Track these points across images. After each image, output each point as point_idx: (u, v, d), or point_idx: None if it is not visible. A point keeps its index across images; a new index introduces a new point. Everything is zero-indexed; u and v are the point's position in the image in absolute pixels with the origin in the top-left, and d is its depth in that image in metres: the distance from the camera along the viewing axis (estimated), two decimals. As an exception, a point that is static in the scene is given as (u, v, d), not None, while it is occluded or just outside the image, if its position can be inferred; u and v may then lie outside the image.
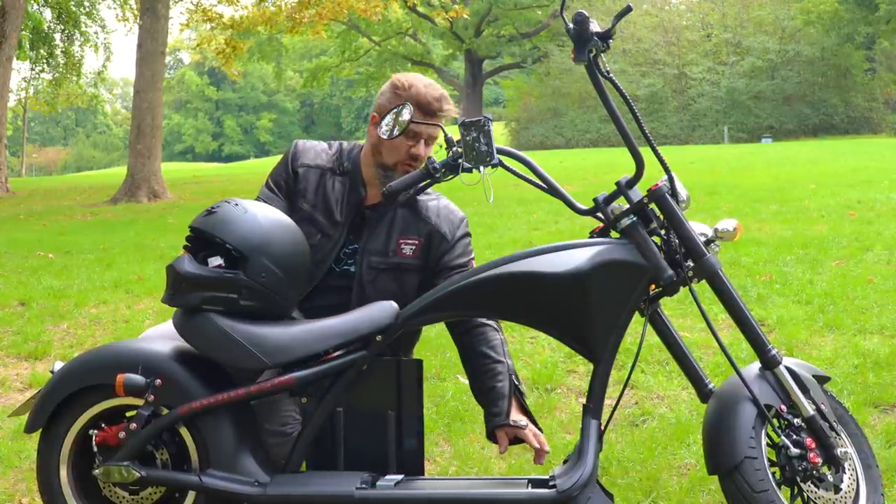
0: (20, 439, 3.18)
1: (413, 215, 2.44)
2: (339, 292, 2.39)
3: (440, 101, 2.36)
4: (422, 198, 2.46)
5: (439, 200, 2.50)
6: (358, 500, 1.99)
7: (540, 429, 2.33)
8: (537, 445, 2.28)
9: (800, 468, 1.98)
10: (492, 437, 2.34)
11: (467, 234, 2.49)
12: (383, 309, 2.13)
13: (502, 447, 2.31)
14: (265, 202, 2.42)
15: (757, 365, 2.10)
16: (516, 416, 2.30)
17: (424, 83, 2.38)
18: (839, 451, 2.03)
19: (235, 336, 2.04)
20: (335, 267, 2.43)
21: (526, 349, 4.20)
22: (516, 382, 2.35)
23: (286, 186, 2.47)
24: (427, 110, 2.34)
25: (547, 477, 2.06)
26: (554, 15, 35.26)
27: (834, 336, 4.18)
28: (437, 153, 2.28)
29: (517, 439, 2.31)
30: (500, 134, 39.34)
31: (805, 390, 2.06)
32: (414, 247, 2.41)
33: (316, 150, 2.51)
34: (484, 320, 2.41)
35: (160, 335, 2.38)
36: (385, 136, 2.22)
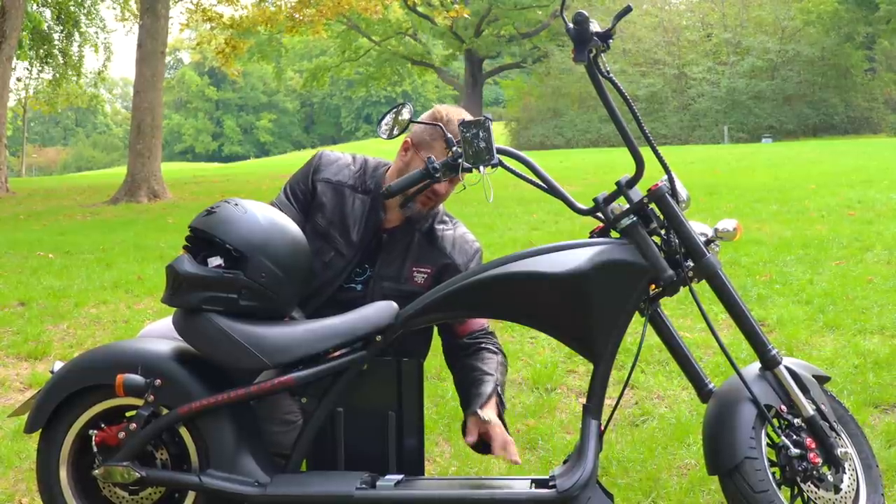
0: (20, 439, 3.18)
1: (429, 244, 2.42)
2: (339, 308, 2.30)
3: None
4: (438, 226, 2.45)
5: (455, 230, 2.48)
6: (358, 500, 1.99)
7: (510, 437, 2.25)
8: (501, 452, 2.21)
9: (800, 468, 1.98)
10: (466, 432, 2.31)
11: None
12: (383, 309, 2.13)
13: (469, 437, 2.25)
14: (279, 207, 2.42)
15: (757, 365, 2.10)
16: (488, 413, 2.24)
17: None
18: (839, 451, 2.03)
19: (235, 336, 2.04)
20: (342, 284, 2.42)
21: (526, 349, 4.19)
22: (499, 392, 2.33)
23: (303, 198, 2.46)
24: None
25: (547, 477, 2.07)
26: (554, 15, 35.24)
27: (834, 336, 4.18)
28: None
29: (486, 445, 2.26)
30: (500, 134, 39.30)
31: (805, 390, 2.06)
32: (426, 275, 2.40)
33: (339, 165, 2.48)
34: (485, 345, 2.41)
35: (159, 332, 2.38)
36: (384, 137, 2.21)
